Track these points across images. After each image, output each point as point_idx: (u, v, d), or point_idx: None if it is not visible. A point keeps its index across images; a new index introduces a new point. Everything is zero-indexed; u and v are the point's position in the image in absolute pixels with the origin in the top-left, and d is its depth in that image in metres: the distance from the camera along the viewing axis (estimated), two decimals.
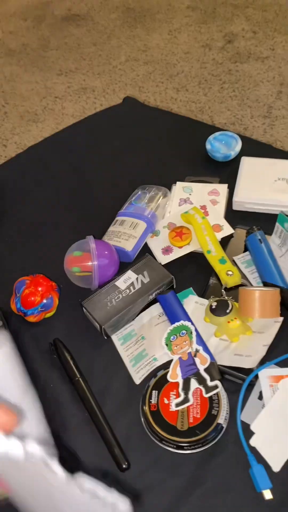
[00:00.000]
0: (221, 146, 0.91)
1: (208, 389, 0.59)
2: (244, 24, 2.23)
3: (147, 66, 2.07)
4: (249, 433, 0.58)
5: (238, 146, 0.89)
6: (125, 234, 0.77)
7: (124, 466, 0.57)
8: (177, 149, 0.95)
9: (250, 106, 1.80)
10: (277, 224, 0.73)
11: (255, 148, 0.95)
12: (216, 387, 0.59)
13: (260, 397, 0.61)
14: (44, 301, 0.69)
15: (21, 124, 1.88)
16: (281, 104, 1.79)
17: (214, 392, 0.59)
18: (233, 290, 0.69)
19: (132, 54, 2.16)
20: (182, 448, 0.57)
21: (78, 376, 0.64)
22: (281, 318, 0.65)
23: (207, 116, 1.78)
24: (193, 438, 0.57)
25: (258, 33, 2.15)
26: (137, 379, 0.64)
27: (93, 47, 2.25)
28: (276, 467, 0.56)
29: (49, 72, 2.13)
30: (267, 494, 0.54)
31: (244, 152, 0.90)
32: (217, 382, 0.59)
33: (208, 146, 0.90)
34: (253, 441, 0.57)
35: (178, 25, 2.29)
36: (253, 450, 0.57)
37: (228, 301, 0.67)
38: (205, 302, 0.69)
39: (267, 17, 2.25)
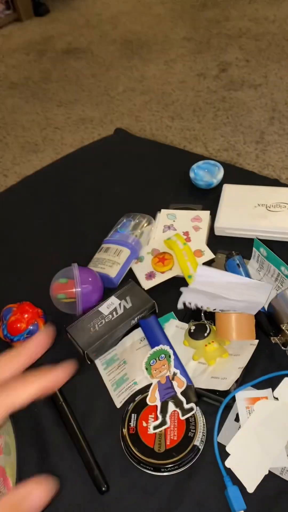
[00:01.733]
0: (204, 174, 0.94)
1: (184, 411, 0.61)
2: (237, 53, 2.31)
3: (144, 95, 2.14)
4: (225, 455, 0.59)
5: (220, 174, 0.93)
6: (109, 260, 0.80)
7: (103, 488, 0.58)
8: (163, 177, 0.99)
9: (243, 132, 1.84)
10: (254, 249, 0.75)
11: (239, 175, 0.98)
12: (191, 409, 0.61)
13: (237, 419, 0.63)
14: (30, 327, 0.72)
15: (21, 155, 1.94)
16: (273, 129, 1.84)
17: (190, 414, 0.60)
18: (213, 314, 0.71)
19: (129, 84, 2.23)
20: (159, 470, 0.58)
21: (62, 400, 0.66)
22: (257, 341, 0.66)
23: (201, 143, 1.83)
24: (170, 460, 0.58)
25: (251, 62, 2.22)
26: (118, 403, 0.66)
27: (92, 78, 2.34)
28: (251, 488, 0.57)
29: (50, 104, 2.21)
30: None
31: (228, 179, 0.93)
32: (193, 405, 0.61)
33: (191, 175, 0.94)
34: (228, 463, 0.58)
35: (174, 55, 2.37)
36: (229, 471, 0.58)
37: (206, 325, 0.69)
38: (185, 326, 0.71)
39: (260, 46, 2.32)
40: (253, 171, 1.68)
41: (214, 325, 0.69)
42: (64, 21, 2.77)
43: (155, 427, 0.60)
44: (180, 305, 0.70)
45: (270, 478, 0.57)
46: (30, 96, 2.28)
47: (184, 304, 0.70)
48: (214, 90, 2.09)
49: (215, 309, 0.68)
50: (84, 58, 2.49)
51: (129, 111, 2.07)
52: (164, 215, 0.89)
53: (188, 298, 0.69)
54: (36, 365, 0.67)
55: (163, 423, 0.60)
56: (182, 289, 0.70)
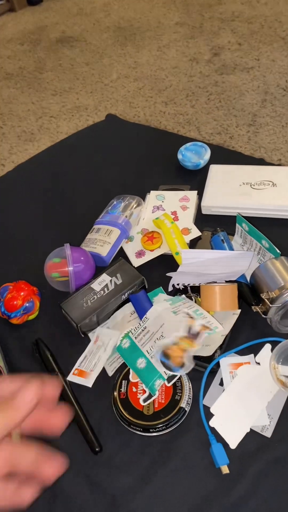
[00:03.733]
0: (192, 155, 0.97)
1: (170, 378, 0.65)
2: (230, 36, 2.31)
3: (137, 82, 2.16)
4: (210, 416, 0.63)
5: (207, 154, 0.96)
6: (100, 240, 0.84)
7: (97, 449, 0.63)
8: (152, 160, 1.02)
9: (235, 116, 1.86)
10: (237, 225, 0.79)
11: (226, 155, 1.01)
12: (175, 375, 0.64)
13: (221, 383, 0.67)
14: (26, 304, 0.76)
15: (18, 144, 1.97)
16: (265, 112, 1.86)
17: (175, 380, 0.64)
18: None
19: (123, 71, 2.25)
20: (148, 431, 0.62)
21: (57, 371, 0.70)
22: (239, 310, 0.70)
23: (194, 127, 1.85)
24: (158, 421, 0.62)
25: (244, 45, 2.23)
26: (110, 371, 0.70)
27: (86, 66, 2.35)
28: (233, 444, 0.61)
29: (45, 93, 2.23)
30: (224, 469, 0.59)
31: (216, 160, 0.96)
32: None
33: (179, 156, 0.97)
34: (212, 422, 0.63)
35: (167, 41, 2.38)
36: (213, 430, 0.62)
37: (192, 297, 0.73)
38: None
39: (253, 29, 2.32)
40: (245, 153, 1.71)
41: (200, 296, 0.73)
42: (57, 10, 2.78)
43: (144, 400, 0.64)
44: (170, 288, 0.74)
45: (252, 435, 0.62)
46: (26, 86, 2.29)
47: (173, 285, 0.74)
48: (206, 75, 2.11)
49: (200, 283, 0.71)
50: (77, 46, 2.50)
51: (123, 98, 2.09)
52: (153, 196, 0.93)
53: (176, 280, 0.73)
54: (33, 339, 0.69)
55: (152, 394, 0.64)
56: (170, 274, 0.74)
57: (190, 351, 0.64)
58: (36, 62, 2.46)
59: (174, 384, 0.65)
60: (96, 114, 2.05)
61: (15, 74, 2.39)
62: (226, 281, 0.71)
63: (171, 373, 0.64)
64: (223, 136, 1.78)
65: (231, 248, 0.78)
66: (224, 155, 1.01)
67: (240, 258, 0.73)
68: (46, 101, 2.19)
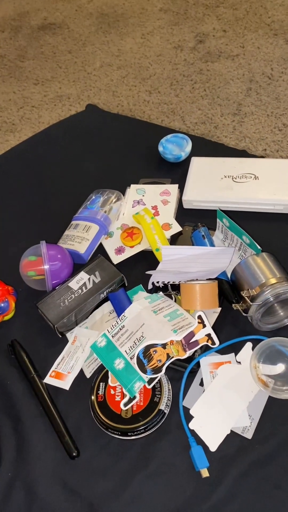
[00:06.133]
0: (173, 147, 0.95)
1: (150, 380, 0.63)
2: (215, 23, 2.27)
3: (121, 70, 2.11)
4: (190, 417, 0.62)
5: (188, 147, 0.93)
6: (78, 237, 0.81)
7: (74, 454, 0.61)
8: (133, 152, 0.99)
9: (220, 105, 1.83)
10: (218, 220, 0.77)
11: (208, 147, 0.99)
12: (154, 378, 0.63)
13: (202, 383, 0.65)
14: (1, 304, 0.73)
15: None
16: (250, 100, 1.83)
17: (155, 382, 0.63)
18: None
19: (106, 59, 2.20)
20: (126, 434, 0.61)
21: (33, 373, 0.68)
22: (219, 309, 0.68)
23: (178, 116, 1.82)
24: (137, 424, 0.61)
25: (228, 32, 2.19)
26: (88, 373, 0.68)
27: (68, 54, 2.29)
28: (213, 447, 0.60)
29: (26, 82, 2.18)
30: (204, 473, 0.58)
31: (198, 151, 0.94)
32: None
33: (160, 148, 0.95)
34: (192, 424, 0.61)
35: (150, 28, 2.33)
36: (193, 432, 0.61)
37: (172, 295, 0.71)
38: None
39: (238, 15, 2.28)
40: (230, 143, 1.68)
41: (180, 294, 0.71)
42: None
43: (125, 404, 0.62)
44: (150, 286, 0.72)
45: (232, 437, 0.60)
46: (7, 75, 2.24)
47: (153, 283, 0.72)
48: (191, 63, 2.07)
49: (180, 281, 0.69)
50: (60, 33, 2.44)
51: (106, 87, 2.05)
52: (133, 190, 0.90)
53: (155, 278, 0.71)
54: (9, 340, 0.67)
55: (132, 398, 0.62)
56: (150, 272, 0.72)
57: (173, 358, 0.62)
58: (17, 50, 2.39)
59: (153, 385, 0.63)
60: (79, 103, 2.01)
61: None
62: (207, 279, 0.69)
63: (144, 375, 0.62)
64: (208, 126, 1.75)
65: (212, 244, 0.76)
66: (206, 146, 0.98)
67: (221, 254, 0.71)
68: (28, 90, 2.14)
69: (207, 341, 0.64)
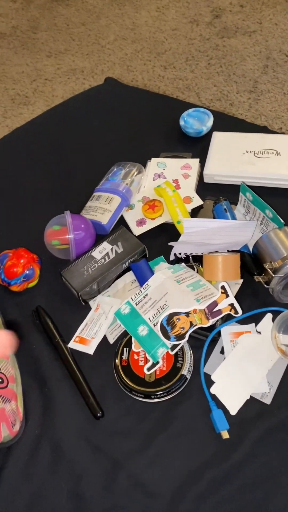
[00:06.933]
0: (194, 122, 0.95)
1: (173, 346, 0.65)
2: None
3: (135, 44, 2.08)
4: (210, 383, 0.64)
5: (210, 121, 0.93)
6: (101, 208, 0.82)
7: (98, 414, 0.63)
8: (153, 126, 0.99)
9: (236, 82, 1.82)
10: (240, 194, 0.77)
11: (229, 122, 0.99)
12: (177, 345, 0.65)
13: (222, 351, 0.67)
14: (26, 271, 0.75)
15: (12, 108, 1.91)
16: (267, 78, 1.81)
17: (178, 348, 0.65)
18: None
19: (120, 33, 2.16)
20: (149, 397, 0.63)
21: (58, 337, 0.70)
22: (241, 280, 0.70)
23: (193, 93, 1.80)
24: (159, 388, 0.63)
25: (246, 7, 2.15)
26: (111, 339, 0.70)
27: (82, 27, 2.26)
28: (233, 411, 0.62)
29: (39, 54, 2.15)
30: (225, 434, 0.60)
31: (219, 127, 0.94)
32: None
33: (181, 123, 0.95)
34: (213, 389, 0.64)
35: (166, 1, 2.28)
36: (214, 397, 0.63)
37: (194, 266, 0.73)
38: None
39: None
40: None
41: (202, 265, 0.72)
42: None
43: (148, 369, 0.64)
44: (172, 257, 0.73)
45: (252, 402, 0.63)
46: (19, 47, 2.21)
47: (175, 254, 0.73)
48: (207, 38, 2.04)
49: (203, 253, 0.71)
50: (73, 5, 2.39)
51: (121, 61, 2.03)
52: (154, 163, 0.91)
53: (178, 250, 0.72)
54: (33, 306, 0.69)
55: (155, 363, 0.64)
56: (172, 243, 0.73)
57: (196, 326, 0.64)
58: (29, 22, 2.36)
59: (176, 352, 0.65)
60: (93, 77, 1.99)
61: (7, 34, 2.29)
62: (229, 251, 0.71)
63: (168, 341, 0.64)
64: (223, 103, 1.73)
65: (233, 218, 0.77)
66: (226, 122, 0.98)
67: (243, 227, 0.72)
68: (41, 62, 2.11)
69: (230, 310, 0.66)
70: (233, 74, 1.83)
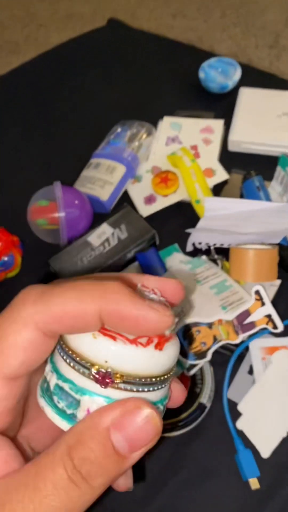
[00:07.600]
0: (217, 74, 0.78)
1: (191, 366, 0.51)
2: None
3: None
4: (236, 414, 0.51)
5: (237, 74, 0.77)
6: (100, 180, 0.67)
7: None
8: (166, 78, 0.84)
9: (255, 35, 1.62)
10: (278, 167, 0.62)
11: (257, 78, 0.83)
12: (194, 365, 0.50)
13: (251, 371, 0.53)
14: (4, 258, 0.61)
15: (0, 56, 1.71)
16: None
17: (197, 368, 0.51)
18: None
19: None
20: None
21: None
22: (279, 281, 0.55)
23: (206, 45, 1.61)
24: (172, 420, 0.49)
25: None
26: None
27: None
28: (265, 453, 0.49)
29: None
30: (254, 484, 0.47)
31: (244, 82, 0.78)
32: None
33: (201, 75, 0.78)
34: (240, 424, 0.50)
35: None
36: (241, 433, 0.50)
37: (218, 261, 0.58)
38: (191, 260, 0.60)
39: None
40: None
41: (227, 260, 0.57)
42: None
43: None
44: (189, 248, 0.59)
45: None
46: None
47: (194, 245, 0.59)
48: None
49: (230, 245, 0.56)
50: None
51: (124, 8, 1.81)
52: (167, 124, 0.75)
53: (197, 238, 0.58)
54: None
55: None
56: (190, 230, 0.58)
57: (221, 342, 0.50)
58: None
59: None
60: (93, 24, 1.77)
61: None
62: (263, 244, 0.56)
63: (186, 360, 0.50)
64: (240, 59, 1.53)
65: (267, 198, 0.61)
66: (256, 77, 0.82)
67: (282, 212, 0.57)
68: (34, 6, 1.89)
69: (267, 323, 0.51)
70: (251, 26, 1.63)
